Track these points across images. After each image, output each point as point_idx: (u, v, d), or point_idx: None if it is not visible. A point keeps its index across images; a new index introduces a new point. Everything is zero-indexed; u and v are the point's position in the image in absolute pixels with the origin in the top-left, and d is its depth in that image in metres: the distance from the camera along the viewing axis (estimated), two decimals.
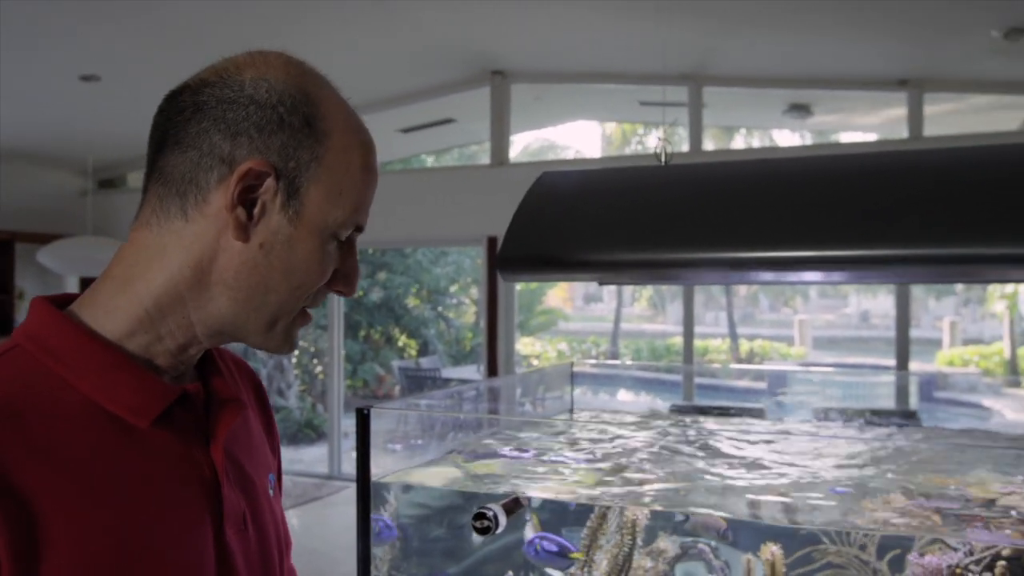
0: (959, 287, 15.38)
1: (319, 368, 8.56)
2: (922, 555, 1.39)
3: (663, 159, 1.74)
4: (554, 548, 1.75)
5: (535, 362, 13.46)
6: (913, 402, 4.60)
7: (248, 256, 0.79)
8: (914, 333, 5.96)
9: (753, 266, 1.28)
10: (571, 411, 2.42)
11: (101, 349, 0.78)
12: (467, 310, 14.50)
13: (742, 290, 17.62)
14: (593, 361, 13.06)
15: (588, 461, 1.86)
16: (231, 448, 0.86)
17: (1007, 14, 4.62)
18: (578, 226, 1.50)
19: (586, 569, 1.65)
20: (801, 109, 6.53)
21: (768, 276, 1.35)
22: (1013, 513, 1.35)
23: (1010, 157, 1.48)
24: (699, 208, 1.47)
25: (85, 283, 7.92)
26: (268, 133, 0.78)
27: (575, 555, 1.75)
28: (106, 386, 0.77)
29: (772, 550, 1.55)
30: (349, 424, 9.51)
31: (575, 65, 6.45)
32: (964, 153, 1.46)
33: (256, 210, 0.79)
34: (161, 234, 0.80)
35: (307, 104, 0.80)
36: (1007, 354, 13.16)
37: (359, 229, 0.86)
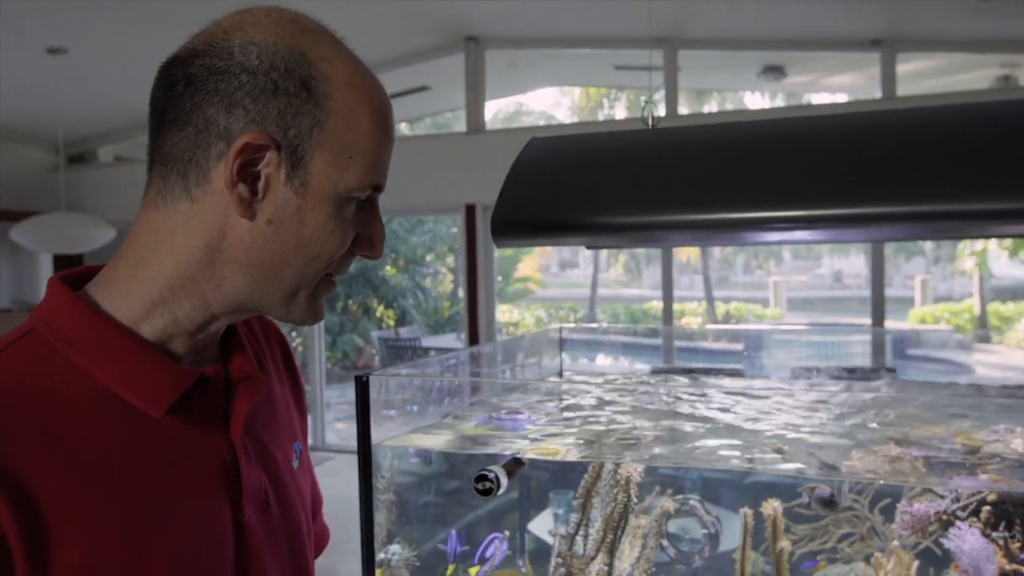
0: (928, 246, 15.58)
1: (298, 341, 8.53)
2: (911, 503, 1.43)
3: (650, 123, 1.75)
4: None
5: (513, 329, 13.51)
6: (888, 359, 4.69)
7: (258, 233, 0.76)
8: (887, 292, 6.04)
9: (750, 226, 1.30)
10: (560, 374, 2.45)
11: (116, 335, 0.77)
12: (443, 279, 14.49)
13: (716, 253, 17.74)
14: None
15: (579, 421, 1.89)
16: (252, 426, 0.85)
17: None
18: (571, 191, 1.51)
19: (582, 527, 1.69)
20: (775, 71, 6.55)
21: (762, 236, 1.38)
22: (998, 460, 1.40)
23: (989, 114, 1.51)
24: (690, 170, 1.48)
25: (59, 260, 7.82)
26: (263, 102, 0.74)
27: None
28: (121, 374, 0.76)
29: (773, 505, 1.59)
30: (331, 395, 9.52)
31: (550, 30, 6.41)
32: (952, 111, 1.48)
33: (260, 184, 0.75)
34: (169, 215, 0.77)
35: (303, 66, 0.75)
36: (977, 310, 13.38)
37: (378, 189, 0.81)
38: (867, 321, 6.17)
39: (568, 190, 1.49)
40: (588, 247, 1.81)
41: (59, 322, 0.77)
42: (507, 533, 1.87)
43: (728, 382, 2.61)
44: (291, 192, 0.76)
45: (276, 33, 0.75)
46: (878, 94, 5.85)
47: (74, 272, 0.83)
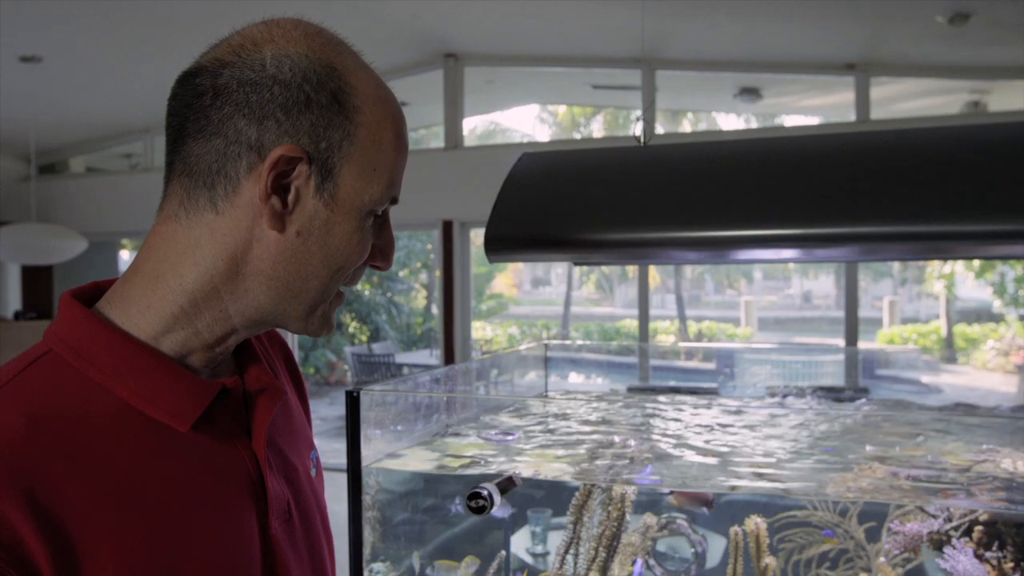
0: (896, 267, 15.81)
1: None
2: (903, 523, 1.44)
3: (643, 140, 1.76)
4: None
5: (487, 346, 13.48)
6: (859, 379, 4.73)
7: (286, 245, 0.76)
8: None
9: (747, 244, 1.30)
10: (546, 393, 2.44)
11: (136, 351, 0.75)
12: (417, 295, 14.45)
13: (687, 273, 17.84)
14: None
15: (570, 441, 1.88)
16: (273, 436, 0.84)
17: (952, 0, 4.74)
18: (565, 206, 1.51)
19: (573, 546, 1.67)
20: (751, 92, 6.62)
21: (760, 254, 1.38)
22: (991, 479, 1.41)
23: (980, 136, 1.53)
24: (682, 188, 1.49)
25: (28, 271, 7.70)
26: (296, 115, 0.73)
27: None
28: (144, 390, 0.74)
29: (756, 522, 1.59)
30: None
31: (528, 48, 6.44)
32: (943, 133, 1.50)
33: (290, 197, 0.75)
34: (191, 227, 0.76)
35: (334, 79, 0.75)
36: (944, 332, 13.56)
37: (394, 201, 0.82)
38: (836, 341, 6.26)
39: (565, 206, 1.49)
40: (576, 263, 1.80)
41: (76, 341, 0.75)
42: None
43: (706, 400, 2.62)
44: (320, 204, 0.76)
45: (307, 45, 0.75)
46: (852, 117, 5.93)
47: (83, 289, 0.81)
